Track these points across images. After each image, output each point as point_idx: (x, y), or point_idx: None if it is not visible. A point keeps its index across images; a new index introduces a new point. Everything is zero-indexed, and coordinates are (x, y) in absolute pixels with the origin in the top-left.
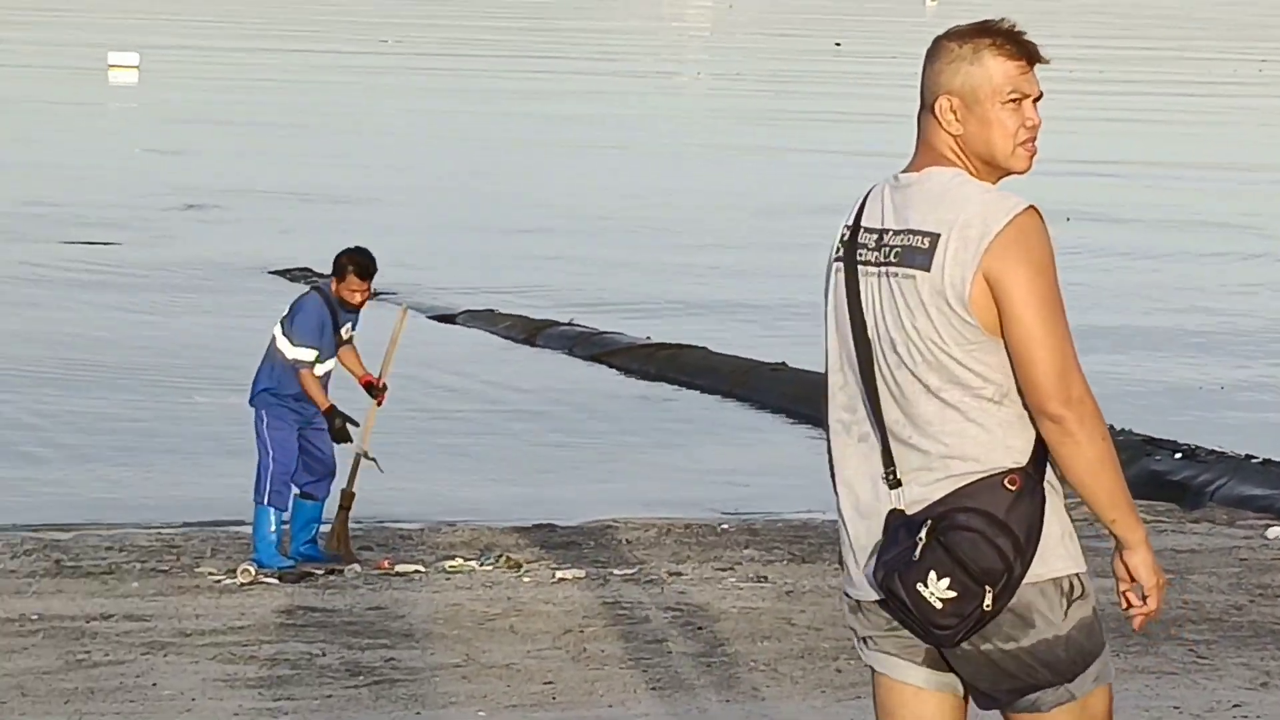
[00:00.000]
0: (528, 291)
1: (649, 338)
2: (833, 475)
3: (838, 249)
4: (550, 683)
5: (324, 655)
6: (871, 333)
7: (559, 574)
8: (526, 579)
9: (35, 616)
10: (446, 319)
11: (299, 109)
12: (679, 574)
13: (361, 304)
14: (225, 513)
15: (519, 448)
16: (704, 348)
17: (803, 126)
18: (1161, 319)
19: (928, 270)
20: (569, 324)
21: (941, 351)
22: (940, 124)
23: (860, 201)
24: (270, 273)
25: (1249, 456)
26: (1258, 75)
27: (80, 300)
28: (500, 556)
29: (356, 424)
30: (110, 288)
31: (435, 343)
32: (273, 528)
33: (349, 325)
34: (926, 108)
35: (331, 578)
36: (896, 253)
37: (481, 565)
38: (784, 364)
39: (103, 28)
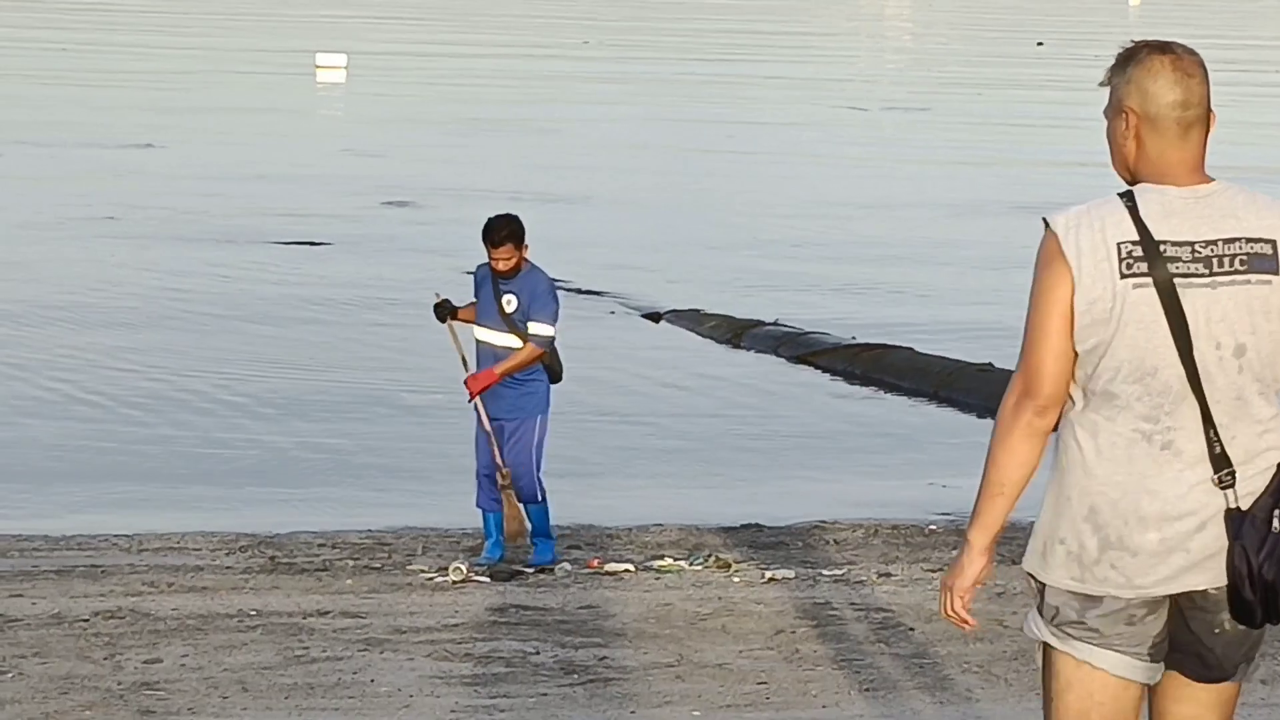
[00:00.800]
0: (732, 291)
1: (854, 338)
2: (1087, 482)
3: (1127, 265)
4: (764, 683)
5: (538, 653)
6: (1205, 341)
7: (768, 574)
8: (736, 579)
9: (254, 613)
10: (652, 318)
11: (503, 109)
12: (888, 575)
13: (507, 272)
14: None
15: (724, 448)
16: (909, 348)
17: (1005, 131)
18: None
19: (1277, 273)
20: (774, 324)
21: None
22: (1205, 138)
23: (1128, 217)
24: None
25: None
26: None
27: (303, 318)
28: (709, 556)
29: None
30: (325, 302)
31: (641, 342)
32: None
33: (510, 298)
34: (1201, 120)
35: (542, 576)
36: (1242, 260)
37: (691, 565)
38: (990, 365)
39: (310, 29)
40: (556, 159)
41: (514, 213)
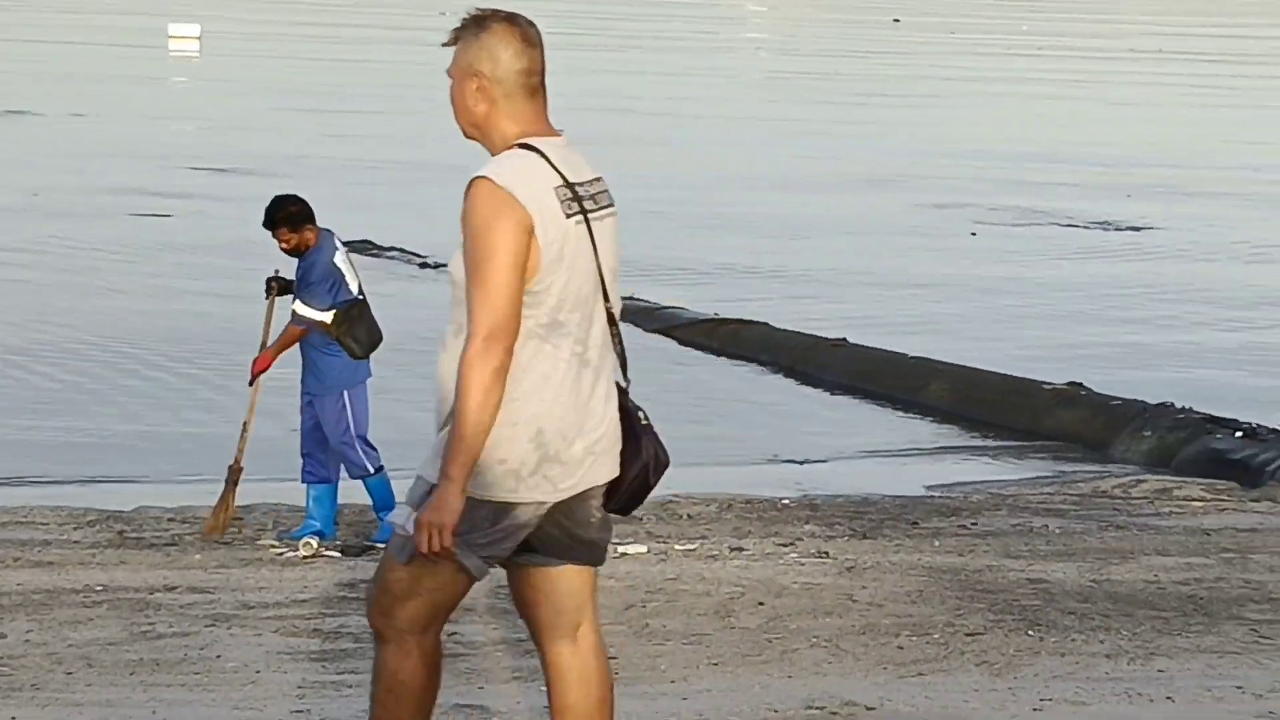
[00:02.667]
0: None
1: (716, 313)
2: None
3: (567, 206)
4: (613, 658)
5: None
6: (605, 267)
7: (620, 549)
8: None
9: (100, 588)
10: None
11: (357, 81)
12: (740, 549)
13: (291, 253)
14: (287, 486)
15: None
16: (765, 323)
17: (858, 103)
18: (1223, 299)
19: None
20: (630, 298)
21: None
22: (546, 98)
23: (548, 165)
24: None
25: None
26: None
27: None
28: None
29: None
30: (171, 273)
31: None
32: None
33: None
34: (543, 84)
35: None
36: (606, 195)
37: None
38: (845, 340)
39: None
40: (415, 132)
41: (295, 194)
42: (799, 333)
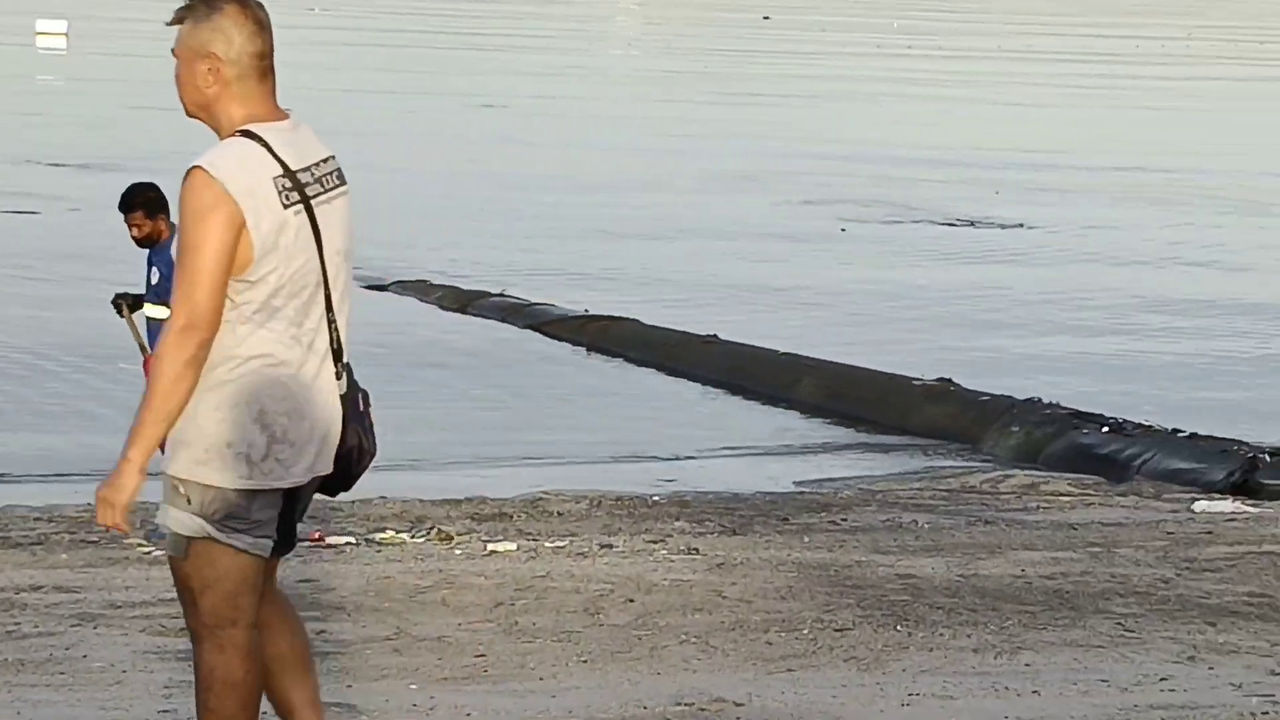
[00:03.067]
0: (462, 263)
1: (586, 310)
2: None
3: (285, 196)
4: (482, 655)
5: None
6: (330, 249)
7: (490, 546)
8: (458, 552)
9: None
10: (377, 288)
11: None
12: (610, 546)
13: (143, 241)
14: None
15: (449, 420)
16: (636, 320)
17: (727, 102)
18: (1088, 296)
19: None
20: (501, 295)
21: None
22: (275, 81)
23: (267, 154)
24: None
25: (1175, 430)
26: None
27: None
28: (432, 529)
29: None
30: (37, 269)
31: (366, 313)
32: None
33: (154, 270)
34: (273, 67)
35: None
36: (337, 175)
37: (413, 538)
38: (716, 336)
39: None
40: None
41: (152, 181)
42: (669, 329)
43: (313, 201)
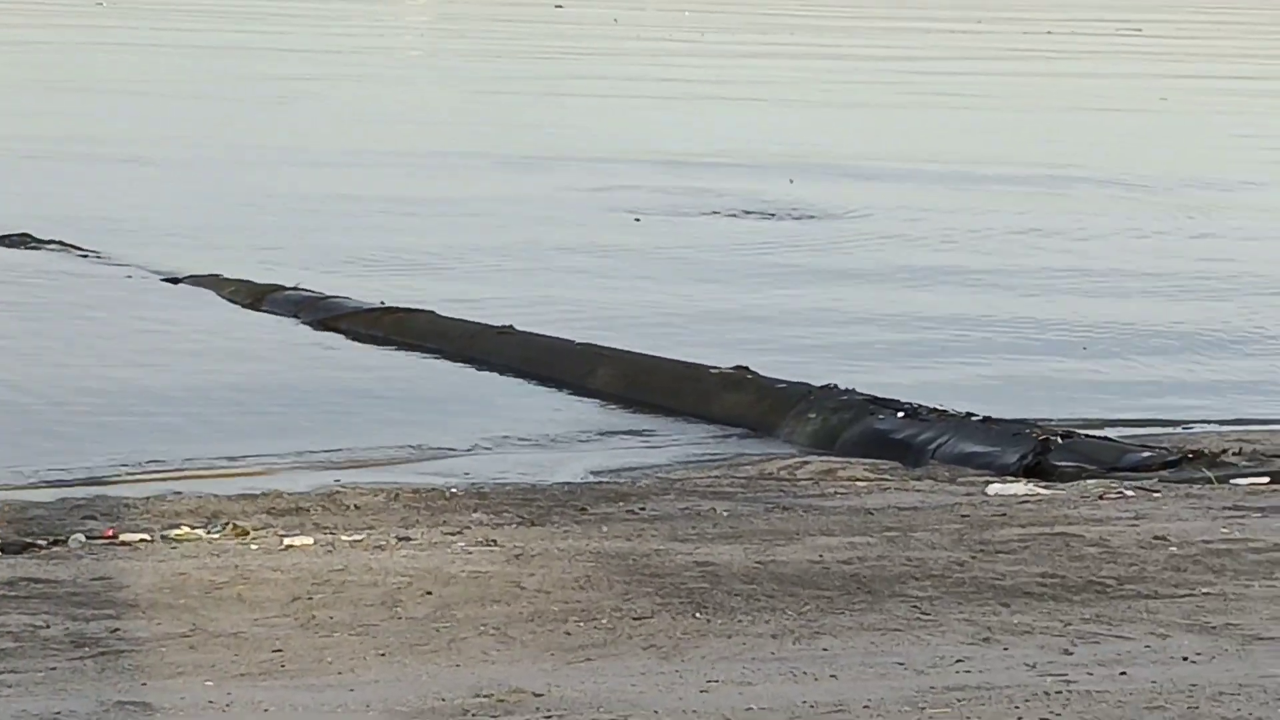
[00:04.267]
0: (254, 255)
1: (382, 303)
2: None
3: None
4: (279, 650)
5: (48, 627)
6: None
7: (287, 541)
8: (254, 546)
9: None
10: (171, 281)
11: (33, 65)
12: (408, 539)
13: None
14: None
15: (243, 413)
16: (431, 311)
17: (512, 91)
18: (880, 280)
19: None
20: (295, 288)
21: None
22: None
23: None
24: None
25: (969, 414)
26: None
27: None
28: (227, 524)
29: None
30: None
31: (155, 308)
32: None
33: None
34: None
35: (55, 548)
36: None
37: (209, 533)
38: (511, 327)
39: None
40: (72, 113)
41: None
42: (465, 320)
43: None
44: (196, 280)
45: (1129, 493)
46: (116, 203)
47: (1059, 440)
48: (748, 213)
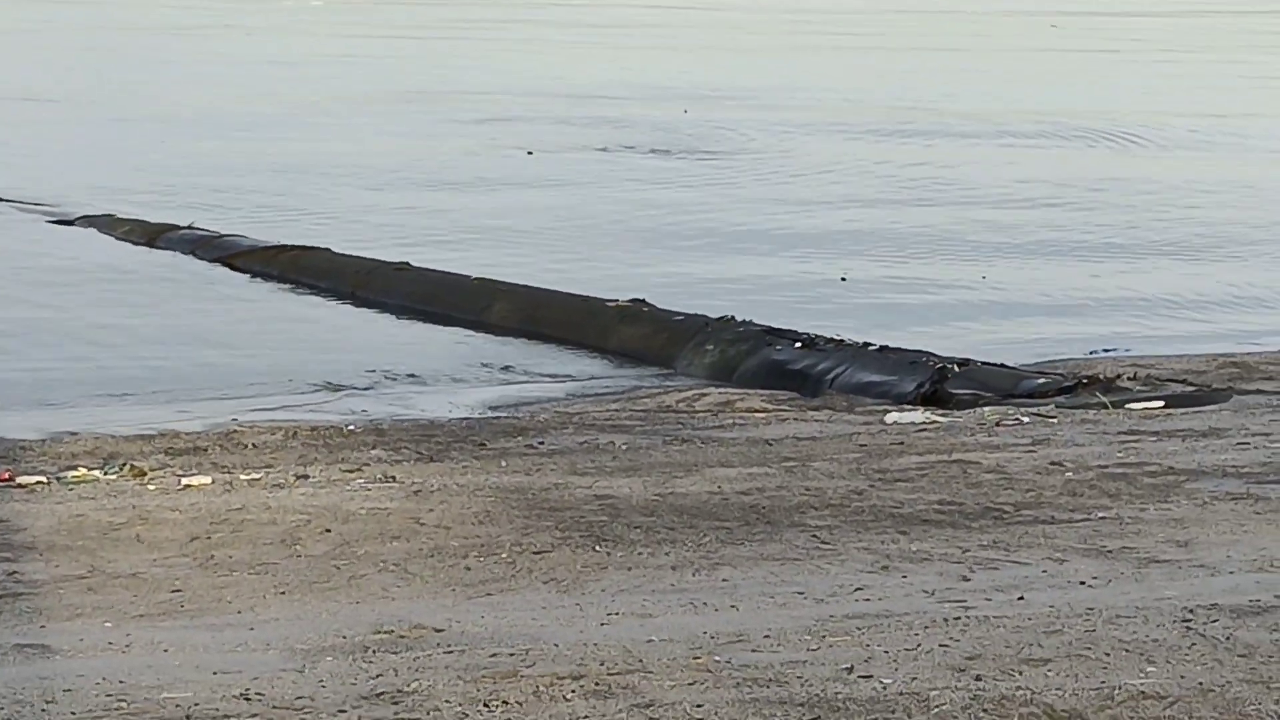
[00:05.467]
0: (148, 198)
1: (277, 241)
2: None
3: None
4: (178, 590)
5: None
6: None
7: (185, 481)
8: (152, 487)
9: None
10: (64, 223)
11: None
12: (306, 477)
13: None
14: None
15: (138, 354)
16: (327, 249)
17: (412, 36)
18: (776, 217)
19: None
20: (189, 227)
21: None
22: None
23: None
24: None
25: (866, 344)
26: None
27: None
28: (124, 465)
29: None
30: None
31: (48, 250)
32: None
33: None
34: None
35: None
36: None
37: (106, 474)
38: (407, 263)
39: None
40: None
41: None
42: (360, 257)
43: None
44: (90, 221)
45: (1025, 419)
46: (4, 147)
47: (955, 368)
48: (640, 149)
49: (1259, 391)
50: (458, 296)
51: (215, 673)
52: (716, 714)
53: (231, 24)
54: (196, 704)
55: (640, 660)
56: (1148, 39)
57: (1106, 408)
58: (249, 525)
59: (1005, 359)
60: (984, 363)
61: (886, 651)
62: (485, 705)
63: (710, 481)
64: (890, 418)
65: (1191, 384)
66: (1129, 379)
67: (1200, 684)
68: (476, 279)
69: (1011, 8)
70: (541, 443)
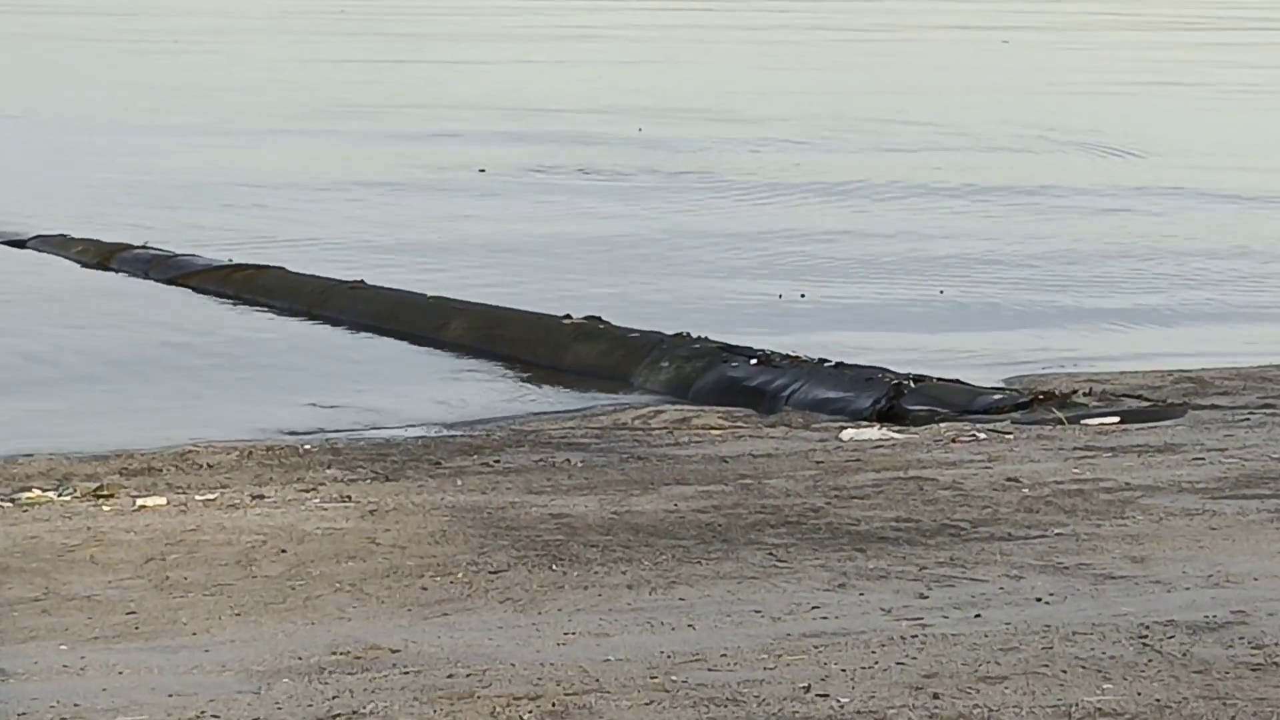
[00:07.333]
0: (101, 217)
1: (231, 259)
2: None
3: None
4: (133, 612)
5: None
6: None
7: (140, 502)
8: (107, 508)
9: None
10: (17, 245)
11: None
12: (262, 497)
13: None
14: None
15: (93, 375)
16: (281, 268)
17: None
18: (727, 237)
19: None
20: (143, 247)
21: None
22: None
23: None
24: None
25: (822, 360)
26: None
27: None
28: (79, 486)
29: None
30: None
31: (5, 269)
32: None
33: None
34: None
35: None
36: None
37: (60, 496)
38: (362, 281)
39: None
40: None
41: None
42: (316, 276)
43: None
44: (44, 241)
45: (981, 435)
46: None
47: (911, 384)
48: (590, 170)
49: (1214, 407)
50: (414, 315)
51: (171, 695)
52: None
53: (186, 37)
54: None
55: (597, 680)
56: (1095, 58)
57: (1062, 423)
58: (204, 546)
59: (961, 375)
60: (939, 379)
61: (844, 670)
62: None
63: (666, 500)
64: (846, 434)
65: (1147, 399)
66: (1084, 394)
67: (1157, 700)
68: (433, 297)
69: (965, 22)
70: (497, 461)
